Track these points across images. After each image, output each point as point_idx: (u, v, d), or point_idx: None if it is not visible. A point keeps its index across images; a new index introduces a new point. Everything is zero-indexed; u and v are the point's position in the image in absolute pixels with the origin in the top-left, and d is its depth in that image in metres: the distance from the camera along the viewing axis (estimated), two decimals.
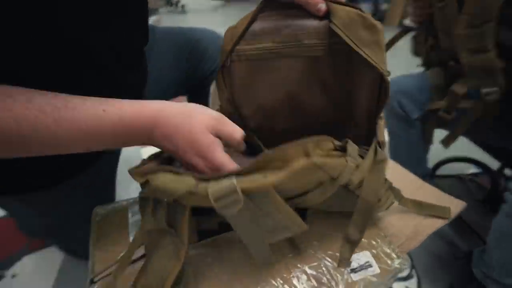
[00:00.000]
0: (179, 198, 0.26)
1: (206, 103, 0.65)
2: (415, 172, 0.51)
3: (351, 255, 0.34)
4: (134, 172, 0.28)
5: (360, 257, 0.36)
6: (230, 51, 0.40)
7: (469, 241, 0.73)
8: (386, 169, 0.34)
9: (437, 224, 0.40)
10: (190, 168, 0.32)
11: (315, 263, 0.35)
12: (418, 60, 0.81)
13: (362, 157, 0.32)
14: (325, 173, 0.29)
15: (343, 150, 0.30)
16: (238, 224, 0.27)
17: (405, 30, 0.76)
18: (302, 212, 0.34)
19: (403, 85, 0.76)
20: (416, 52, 0.79)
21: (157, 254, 0.31)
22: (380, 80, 0.37)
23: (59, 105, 0.27)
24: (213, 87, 0.45)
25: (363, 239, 0.38)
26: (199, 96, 0.67)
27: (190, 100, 0.74)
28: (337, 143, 0.30)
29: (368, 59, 0.34)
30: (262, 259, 0.33)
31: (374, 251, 0.37)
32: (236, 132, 0.32)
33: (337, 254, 0.36)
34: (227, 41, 0.40)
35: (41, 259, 0.80)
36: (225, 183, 0.24)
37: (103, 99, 0.30)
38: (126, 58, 0.42)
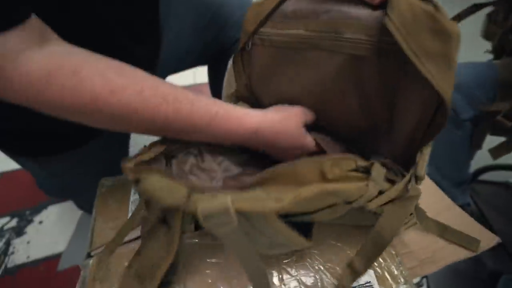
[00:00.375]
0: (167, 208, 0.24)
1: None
2: (453, 177, 0.44)
3: (350, 285, 0.30)
4: (125, 167, 0.26)
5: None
6: (253, 32, 0.35)
7: (499, 261, 0.65)
8: (413, 206, 0.29)
9: (460, 254, 0.35)
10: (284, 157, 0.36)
11: (311, 274, 0.33)
12: (485, 45, 0.65)
13: (392, 181, 0.27)
14: (339, 198, 0.25)
15: (366, 172, 0.25)
16: (229, 243, 0.24)
17: (477, 5, 0.56)
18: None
19: (457, 75, 0.63)
20: (487, 34, 0.62)
21: (150, 242, 0.30)
22: (438, 103, 0.27)
23: (180, 98, 0.29)
24: (231, 63, 0.40)
25: None
26: (219, 68, 0.63)
27: (210, 71, 0.70)
28: (360, 163, 0.25)
29: (428, 76, 0.24)
30: (257, 281, 0.28)
31: (379, 270, 0.33)
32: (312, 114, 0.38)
33: (337, 268, 0.33)
34: (249, 20, 0.34)
35: (64, 210, 0.86)
36: (218, 201, 0.21)
37: (215, 100, 0.32)
38: (135, 30, 0.39)
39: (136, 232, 0.36)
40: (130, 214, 0.40)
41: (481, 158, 0.78)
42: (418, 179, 0.28)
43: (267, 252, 0.28)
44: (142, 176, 0.24)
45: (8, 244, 0.79)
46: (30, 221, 0.83)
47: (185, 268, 0.33)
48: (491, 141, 0.62)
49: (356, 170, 0.25)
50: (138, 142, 0.41)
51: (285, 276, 0.32)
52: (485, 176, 0.84)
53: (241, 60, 0.38)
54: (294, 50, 0.34)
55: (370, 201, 0.26)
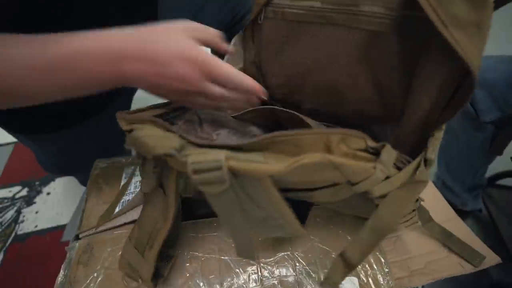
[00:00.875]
0: (158, 157, 0.23)
1: None
2: (466, 181, 0.41)
3: (341, 280, 0.28)
4: (120, 117, 0.25)
5: (344, 283, 0.31)
6: (265, 4, 0.33)
7: (504, 272, 0.62)
8: (420, 192, 0.27)
9: (454, 270, 0.33)
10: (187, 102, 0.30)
11: (290, 270, 0.32)
12: None
13: (399, 168, 0.25)
14: (342, 176, 0.23)
15: (376, 153, 0.23)
16: (219, 206, 0.23)
17: None
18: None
19: (485, 71, 0.54)
20: None
21: (148, 209, 0.30)
22: (460, 79, 0.25)
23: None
24: (234, 41, 0.38)
25: None
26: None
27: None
28: (371, 143, 0.23)
29: (455, 46, 0.21)
30: (243, 252, 0.29)
31: (364, 278, 0.32)
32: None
33: (319, 271, 0.32)
34: None
35: (71, 182, 0.89)
36: (211, 156, 0.19)
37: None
38: (128, 7, 0.37)
39: (121, 219, 0.36)
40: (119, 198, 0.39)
41: (502, 161, 0.73)
42: (428, 163, 0.25)
43: (259, 232, 0.27)
44: (135, 126, 0.24)
45: (19, 212, 0.83)
46: (39, 192, 0.87)
47: (187, 248, 0.33)
48: None
49: (365, 150, 0.23)
50: None
51: (263, 264, 0.32)
52: (504, 182, 0.79)
53: (252, 35, 0.35)
54: (307, 24, 0.32)
55: (375, 185, 0.24)
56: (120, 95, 0.50)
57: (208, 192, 0.20)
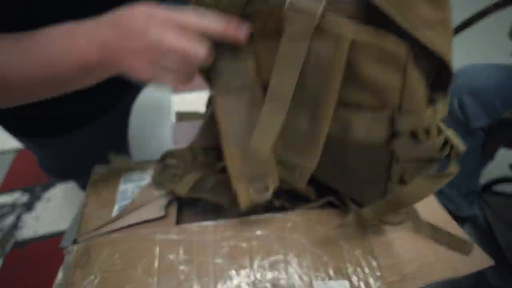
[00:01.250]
0: None
1: None
2: (461, 186, 0.42)
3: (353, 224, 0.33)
4: None
5: (335, 286, 0.32)
6: None
7: (503, 279, 0.62)
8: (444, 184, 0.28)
9: (449, 272, 0.33)
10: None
11: (283, 273, 0.32)
12: (506, 46, 0.60)
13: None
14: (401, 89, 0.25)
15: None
16: (285, 55, 0.25)
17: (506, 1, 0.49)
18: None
19: (474, 78, 0.57)
20: None
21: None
22: (435, 74, 0.27)
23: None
24: None
25: (347, 264, 0.34)
26: None
27: None
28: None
29: (430, 44, 0.24)
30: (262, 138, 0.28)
31: (355, 282, 0.32)
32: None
33: (312, 273, 0.32)
34: None
35: (72, 188, 0.90)
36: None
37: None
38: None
39: (118, 223, 0.37)
40: (116, 205, 0.40)
41: (497, 167, 0.73)
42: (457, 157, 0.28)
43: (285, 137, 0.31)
44: None
45: (18, 218, 0.84)
46: (39, 198, 0.88)
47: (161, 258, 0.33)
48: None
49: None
50: (141, 135, 0.41)
51: (258, 278, 0.32)
52: (500, 188, 0.79)
53: None
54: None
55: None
56: (120, 101, 0.51)
57: (293, 26, 0.24)
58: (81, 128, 0.47)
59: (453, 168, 0.27)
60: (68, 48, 0.26)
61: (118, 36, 0.26)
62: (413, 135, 0.27)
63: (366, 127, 0.28)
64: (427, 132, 0.27)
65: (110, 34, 0.26)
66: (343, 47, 0.25)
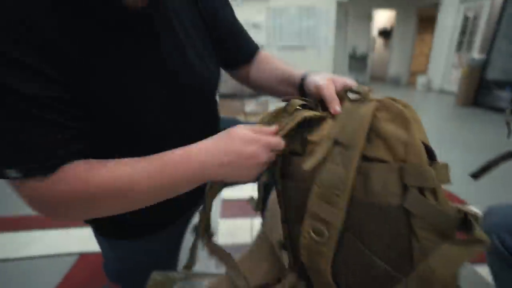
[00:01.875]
0: None
1: None
2: None
3: None
4: None
5: None
6: None
7: None
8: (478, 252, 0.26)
9: None
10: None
11: None
12: None
13: None
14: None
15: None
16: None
17: None
18: None
19: (510, 216, 0.59)
20: None
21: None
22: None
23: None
24: None
25: None
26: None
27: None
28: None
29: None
30: None
31: None
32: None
33: None
34: None
35: None
36: None
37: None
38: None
39: None
40: None
41: None
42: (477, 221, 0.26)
43: None
44: None
45: None
46: None
47: None
48: None
49: None
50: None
51: None
52: None
53: None
54: None
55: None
56: (195, 206, 0.61)
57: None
58: (154, 233, 0.56)
59: (479, 232, 0.25)
60: (185, 170, 0.37)
61: (222, 160, 0.37)
62: (422, 192, 0.29)
63: (381, 178, 0.31)
64: (434, 192, 0.28)
65: (216, 159, 0.37)
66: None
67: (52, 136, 0.33)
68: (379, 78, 7.67)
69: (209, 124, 0.57)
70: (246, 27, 0.62)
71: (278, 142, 0.38)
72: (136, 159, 0.37)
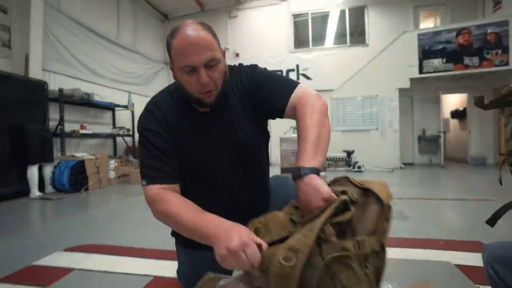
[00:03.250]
0: None
1: None
2: None
3: None
4: None
5: None
6: None
7: None
8: None
9: None
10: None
11: None
12: None
13: None
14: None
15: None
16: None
17: None
18: None
19: (500, 250, 0.70)
20: None
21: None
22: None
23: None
24: None
25: None
26: None
27: None
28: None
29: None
30: None
31: None
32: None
33: None
34: None
35: None
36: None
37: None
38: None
39: None
40: None
41: None
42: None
43: None
44: None
45: None
46: None
47: None
48: None
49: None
50: None
51: None
52: None
53: None
54: None
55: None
56: None
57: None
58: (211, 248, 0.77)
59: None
60: (206, 223, 0.60)
61: (225, 237, 0.55)
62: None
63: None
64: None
65: (222, 233, 0.56)
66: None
67: (163, 167, 0.67)
68: (459, 159, 7.11)
69: (256, 178, 0.84)
70: None
71: (255, 254, 0.52)
72: (193, 207, 0.65)
